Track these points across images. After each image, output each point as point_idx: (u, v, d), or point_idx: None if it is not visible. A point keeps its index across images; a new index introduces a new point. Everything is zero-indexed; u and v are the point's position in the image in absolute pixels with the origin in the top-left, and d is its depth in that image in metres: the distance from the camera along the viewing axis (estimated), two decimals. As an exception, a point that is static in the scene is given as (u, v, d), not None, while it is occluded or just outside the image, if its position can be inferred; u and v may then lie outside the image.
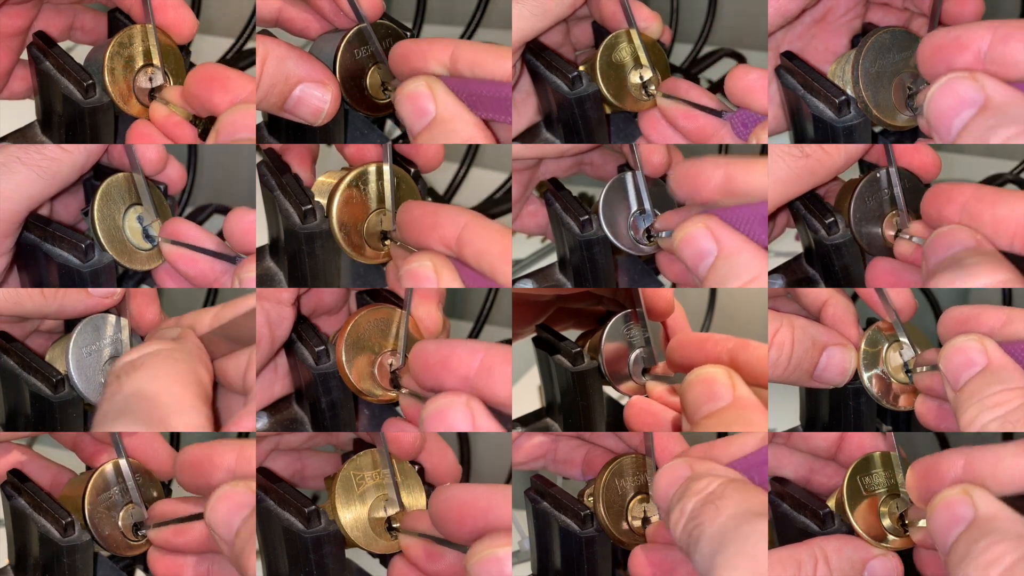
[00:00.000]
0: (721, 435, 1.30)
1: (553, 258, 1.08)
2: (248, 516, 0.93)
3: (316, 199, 1.02)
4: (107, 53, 1.04)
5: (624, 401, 1.06)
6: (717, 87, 1.34)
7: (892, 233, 1.02)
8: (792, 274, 1.05)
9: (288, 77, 1.02)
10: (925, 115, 0.94)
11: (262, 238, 1.02)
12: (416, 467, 1.00)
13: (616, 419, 1.05)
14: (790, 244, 1.07)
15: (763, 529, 0.84)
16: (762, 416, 0.92)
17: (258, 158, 1.03)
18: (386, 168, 1.02)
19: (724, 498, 0.87)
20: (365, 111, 1.07)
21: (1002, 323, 0.93)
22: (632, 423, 1.00)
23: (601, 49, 1.06)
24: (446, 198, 1.49)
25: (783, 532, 0.96)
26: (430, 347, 0.95)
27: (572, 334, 1.07)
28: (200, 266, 1.02)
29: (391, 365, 1.01)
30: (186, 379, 0.94)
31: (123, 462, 1.00)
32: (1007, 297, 1.33)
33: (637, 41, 1.06)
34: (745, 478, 0.90)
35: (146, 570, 1.02)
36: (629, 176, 1.05)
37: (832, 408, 1.04)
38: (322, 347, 1.00)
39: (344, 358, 1.00)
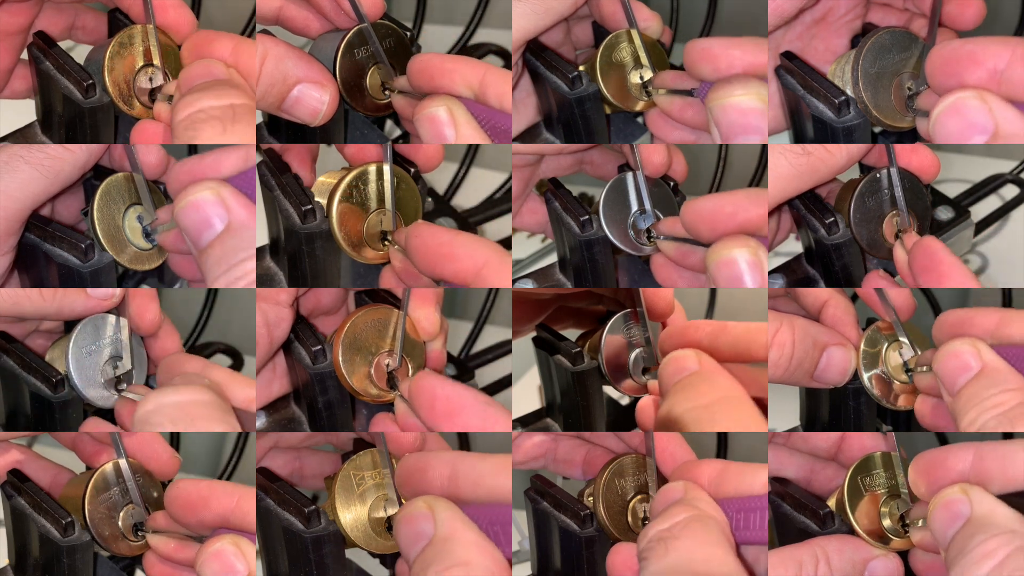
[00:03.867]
0: (722, 438, 1.30)
1: (553, 258, 1.08)
2: None
3: (316, 199, 1.02)
4: (107, 53, 1.04)
5: (624, 401, 1.06)
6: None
7: (892, 233, 1.02)
8: (792, 274, 1.05)
9: (286, 77, 1.02)
10: (931, 134, 0.94)
11: (262, 238, 1.02)
12: (416, 467, 1.00)
13: (616, 419, 1.05)
14: (790, 244, 1.07)
15: None
16: (728, 380, 0.94)
17: (258, 158, 1.03)
18: (386, 168, 1.02)
19: (677, 539, 0.87)
20: (365, 111, 1.07)
21: (995, 325, 0.94)
22: (643, 425, 1.01)
23: (601, 49, 1.06)
24: (446, 198, 1.49)
25: (783, 532, 0.96)
26: (439, 391, 0.97)
27: (572, 334, 1.07)
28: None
29: (388, 366, 1.01)
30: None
31: (123, 462, 1.00)
32: (1007, 297, 1.33)
33: (638, 41, 1.06)
34: (721, 519, 0.90)
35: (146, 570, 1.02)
36: (629, 176, 1.05)
37: (832, 408, 1.04)
38: (319, 347, 1.00)
39: (341, 358, 1.00)
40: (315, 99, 1.03)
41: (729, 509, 0.91)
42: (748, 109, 0.98)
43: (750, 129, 0.99)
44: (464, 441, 1.36)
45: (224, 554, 0.94)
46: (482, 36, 1.50)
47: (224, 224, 0.96)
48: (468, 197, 1.52)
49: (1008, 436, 1.27)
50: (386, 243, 1.03)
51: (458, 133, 1.00)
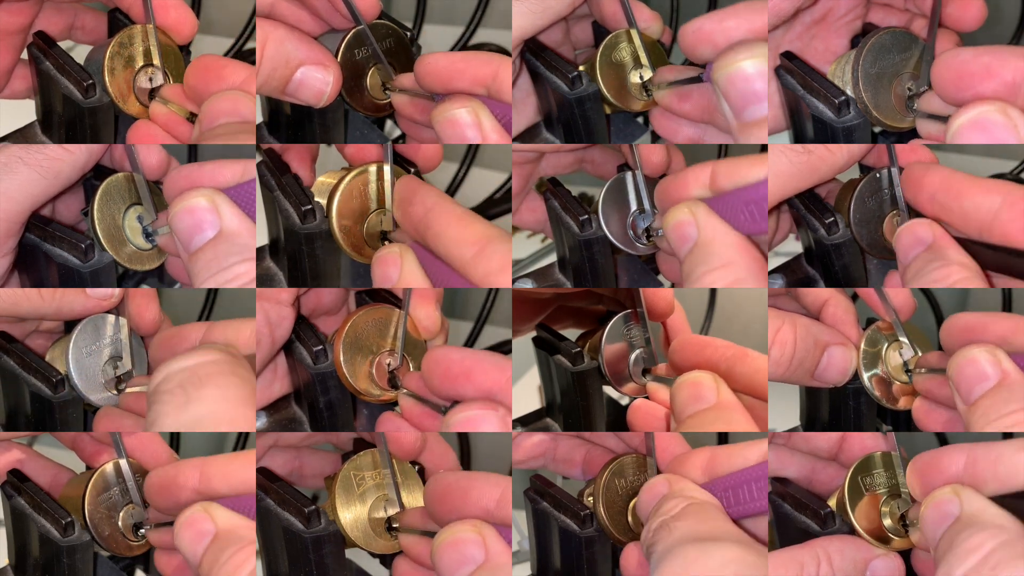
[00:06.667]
0: (722, 438, 1.30)
1: (553, 258, 1.08)
2: (210, 544, 0.93)
3: (316, 199, 1.02)
4: (107, 53, 1.04)
5: (624, 401, 1.06)
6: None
7: (892, 233, 1.02)
8: (792, 274, 1.05)
9: (288, 60, 1.02)
10: (950, 139, 0.93)
11: (262, 238, 1.02)
12: (416, 467, 1.00)
13: (616, 419, 1.05)
14: (790, 244, 1.07)
15: (706, 552, 0.84)
16: (743, 417, 0.93)
17: (258, 158, 1.03)
18: (386, 168, 1.02)
19: (679, 520, 0.88)
20: (365, 111, 1.07)
21: (1011, 332, 0.93)
22: (635, 426, 1.01)
23: (601, 49, 1.06)
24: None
25: (784, 532, 0.96)
26: (453, 355, 0.96)
27: (572, 334, 1.07)
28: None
29: (389, 365, 1.01)
30: (250, 400, 0.94)
31: (123, 462, 1.00)
32: (1007, 298, 1.33)
33: (637, 41, 1.06)
34: (713, 501, 0.91)
35: (146, 570, 1.02)
36: (629, 176, 1.05)
37: (832, 408, 1.04)
38: (320, 347, 1.00)
39: (342, 358, 1.00)
40: (319, 80, 1.03)
41: (723, 487, 0.91)
42: (753, 74, 0.97)
43: (760, 96, 0.97)
44: (464, 442, 1.36)
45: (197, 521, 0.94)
46: (482, 36, 1.50)
47: (216, 231, 0.96)
48: (468, 197, 1.52)
49: (1008, 436, 1.28)
50: (386, 243, 1.03)
51: (484, 136, 0.99)
